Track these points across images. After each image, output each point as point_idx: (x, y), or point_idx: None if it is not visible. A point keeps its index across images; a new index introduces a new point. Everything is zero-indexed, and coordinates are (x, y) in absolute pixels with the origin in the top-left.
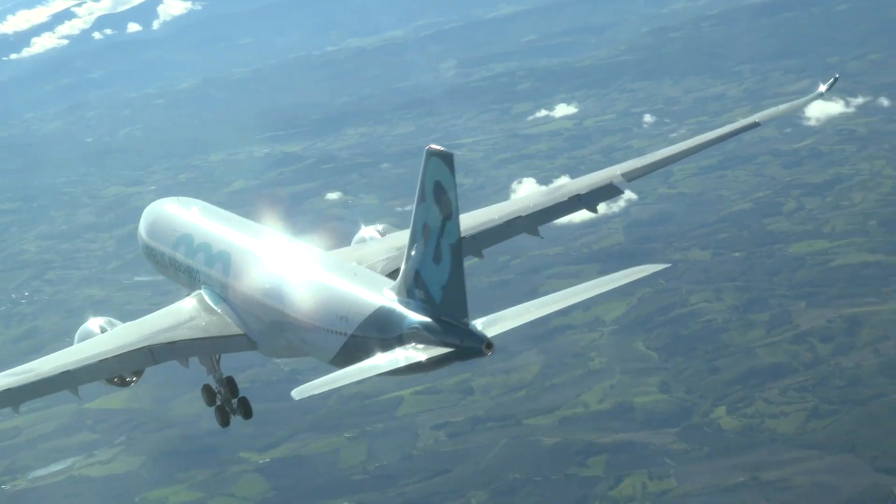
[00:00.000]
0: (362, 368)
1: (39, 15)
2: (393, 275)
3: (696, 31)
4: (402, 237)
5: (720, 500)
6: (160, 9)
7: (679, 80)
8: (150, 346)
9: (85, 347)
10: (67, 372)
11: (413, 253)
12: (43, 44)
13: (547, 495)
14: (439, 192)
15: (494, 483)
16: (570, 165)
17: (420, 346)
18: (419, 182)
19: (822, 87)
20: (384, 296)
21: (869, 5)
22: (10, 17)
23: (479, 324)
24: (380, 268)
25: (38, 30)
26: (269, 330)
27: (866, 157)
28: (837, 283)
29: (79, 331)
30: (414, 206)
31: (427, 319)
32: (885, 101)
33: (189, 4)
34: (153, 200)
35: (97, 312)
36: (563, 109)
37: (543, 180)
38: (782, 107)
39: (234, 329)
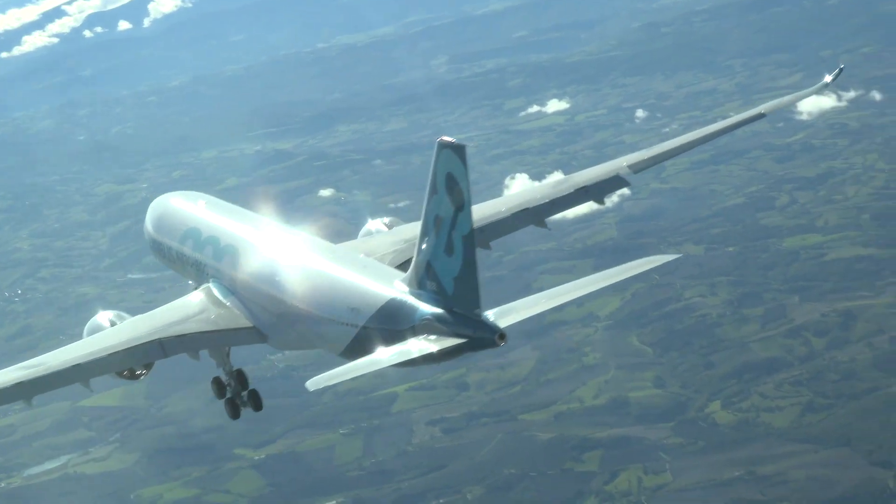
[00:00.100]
0: (375, 360)
1: (30, 13)
2: (401, 267)
3: (687, 26)
4: (409, 230)
5: (716, 494)
6: (151, 6)
7: (670, 74)
8: (160, 338)
9: (95, 341)
10: (78, 365)
11: (424, 245)
12: (34, 42)
13: (542, 490)
14: (451, 183)
15: (490, 478)
16: (562, 161)
17: (432, 337)
18: (430, 174)
19: (828, 78)
20: (395, 287)
21: None
22: (0, 15)
23: (490, 315)
24: (388, 260)
25: (28, 28)
26: (279, 322)
27: (859, 150)
28: (831, 277)
29: (88, 324)
30: (425, 199)
31: (439, 310)
32: (877, 95)
33: (179, 2)
34: (145, 198)
35: (91, 310)
36: (554, 105)
37: (536, 176)
38: (787, 98)
39: (244, 322)
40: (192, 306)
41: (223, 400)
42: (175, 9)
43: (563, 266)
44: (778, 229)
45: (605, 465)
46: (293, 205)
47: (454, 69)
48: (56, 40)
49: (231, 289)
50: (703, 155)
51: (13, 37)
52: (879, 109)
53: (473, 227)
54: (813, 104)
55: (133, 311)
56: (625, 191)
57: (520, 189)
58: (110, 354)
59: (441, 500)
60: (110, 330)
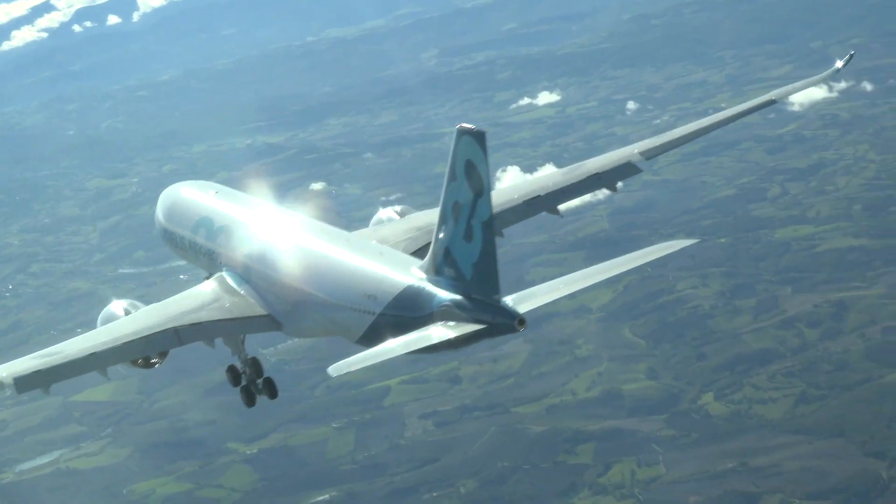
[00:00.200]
0: (395, 346)
1: (19, 8)
2: (414, 255)
3: (678, 18)
4: (422, 218)
5: (709, 486)
6: (140, 1)
7: (661, 66)
8: (175, 327)
9: (110, 329)
10: (95, 354)
11: (443, 231)
12: (23, 37)
13: (536, 483)
14: (471, 170)
15: (483, 472)
16: (553, 153)
17: (451, 323)
18: (449, 161)
19: (839, 63)
20: (412, 274)
21: None
22: None
23: (509, 300)
24: (401, 248)
25: (17, 23)
26: (294, 310)
27: (850, 141)
28: (823, 267)
29: (102, 313)
30: (444, 185)
31: (458, 297)
32: (867, 86)
33: None
34: (136, 192)
35: (81, 305)
36: (545, 97)
37: (527, 168)
38: (798, 84)
39: (259, 310)
40: (206, 295)
41: (238, 388)
42: (164, 3)
43: (554, 258)
44: (770, 220)
45: (598, 457)
46: (284, 198)
47: (444, 62)
48: (45, 35)
49: (245, 277)
50: (693, 146)
51: (2, 32)
52: (870, 100)
53: (493, 213)
54: (804, 95)
55: None
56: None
57: (531, 177)
58: (126, 343)
59: (434, 494)
60: (125, 319)
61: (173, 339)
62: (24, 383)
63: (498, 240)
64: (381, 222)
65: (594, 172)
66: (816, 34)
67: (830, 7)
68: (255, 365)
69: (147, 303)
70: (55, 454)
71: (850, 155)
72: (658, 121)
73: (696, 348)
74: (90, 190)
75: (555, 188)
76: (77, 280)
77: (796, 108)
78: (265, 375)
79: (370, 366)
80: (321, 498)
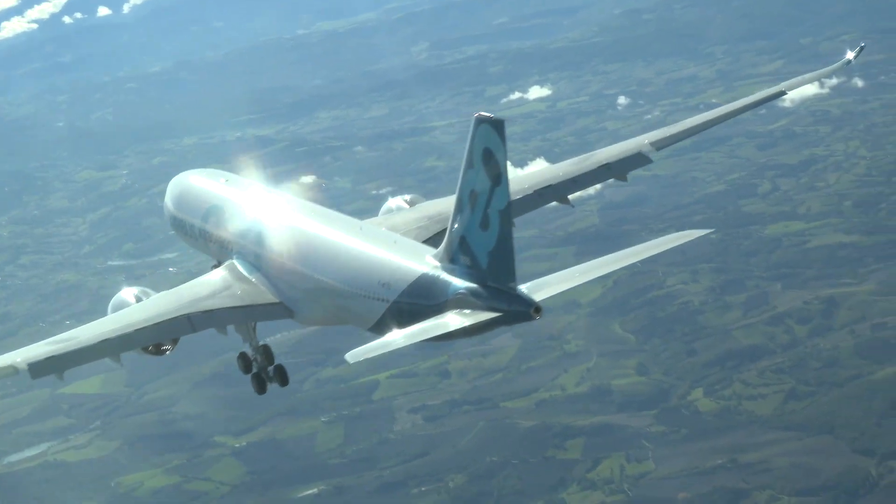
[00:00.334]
0: (411, 333)
1: None
2: (426, 244)
3: (669, 13)
4: (432, 207)
5: (698, 482)
6: None
7: (652, 61)
8: (188, 314)
9: (123, 316)
10: (108, 340)
11: (459, 219)
12: (13, 28)
13: (524, 478)
14: (488, 158)
15: (472, 466)
16: (544, 147)
17: (467, 311)
18: (467, 149)
19: (850, 55)
20: (427, 263)
21: None
22: None
23: (524, 288)
24: (412, 237)
25: (7, 14)
26: (306, 298)
27: (840, 137)
28: (814, 264)
29: (112, 300)
30: (461, 173)
31: (473, 285)
32: (859, 82)
33: None
34: (125, 184)
35: (70, 297)
36: (536, 91)
37: (518, 163)
38: (808, 75)
39: (271, 297)
40: (217, 282)
41: (249, 375)
42: None
43: (545, 253)
44: (760, 216)
45: (587, 452)
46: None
47: (435, 56)
48: (35, 26)
49: (256, 265)
50: (684, 142)
51: None
52: (861, 97)
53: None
54: (795, 91)
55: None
56: None
57: (541, 167)
58: (139, 329)
59: (423, 488)
60: (137, 305)
61: (186, 327)
62: (39, 369)
63: None
64: (390, 211)
65: (605, 162)
66: (806, 30)
67: (820, 4)
68: (266, 352)
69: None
70: (43, 446)
71: (840, 151)
72: (649, 116)
73: (685, 344)
74: (80, 182)
75: (565, 178)
76: (66, 272)
77: (787, 104)
78: (276, 363)
79: (386, 353)
80: (309, 492)
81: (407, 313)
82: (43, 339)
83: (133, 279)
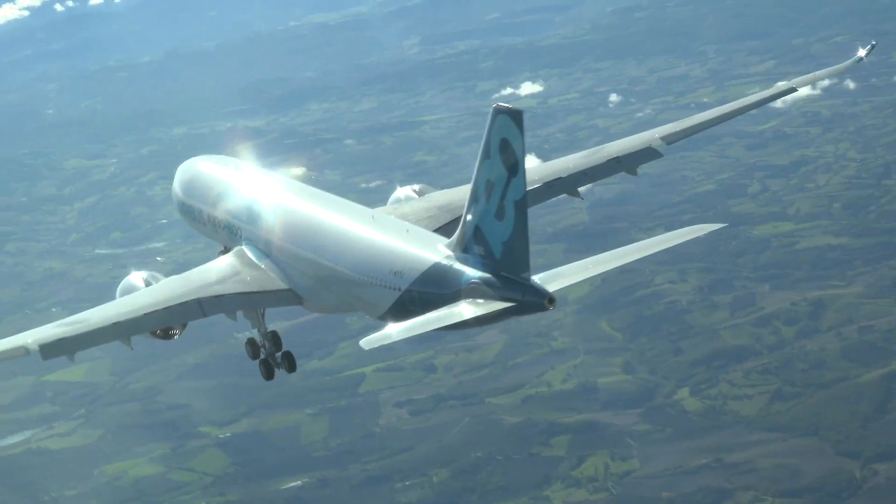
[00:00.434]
0: (425, 321)
1: None
2: (436, 233)
3: (661, 11)
4: (442, 197)
5: (682, 481)
6: None
7: (643, 59)
8: (199, 298)
9: (133, 299)
10: (118, 323)
11: (473, 209)
12: (3, 15)
13: (509, 474)
14: (506, 148)
15: (457, 461)
16: (534, 144)
17: (480, 300)
18: (484, 139)
19: (862, 52)
20: (439, 252)
21: None
22: None
23: (537, 279)
24: (422, 226)
25: None
26: (316, 285)
27: (831, 139)
28: (802, 265)
29: (121, 284)
30: (477, 163)
31: (486, 275)
32: (850, 84)
33: None
34: (114, 173)
35: (56, 285)
36: (527, 88)
37: None
38: (820, 72)
39: (280, 284)
40: (227, 268)
41: (257, 361)
42: None
43: (534, 250)
44: (749, 216)
45: (572, 450)
46: None
47: (426, 50)
48: (26, 13)
49: (266, 251)
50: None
51: None
52: (852, 98)
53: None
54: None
55: (100, 287)
56: None
57: (552, 160)
58: (150, 313)
59: (407, 482)
60: (147, 290)
61: (196, 311)
62: (50, 350)
63: None
64: (399, 201)
65: (615, 156)
66: (798, 31)
67: (813, 4)
68: (274, 338)
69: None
70: (27, 433)
71: (830, 153)
72: (640, 114)
73: (672, 343)
74: (68, 170)
75: (575, 171)
76: (53, 260)
77: (778, 104)
78: (284, 349)
79: (401, 340)
80: (293, 484)
81: (419, 302)
82: (30, 327)
83: (120, 268)
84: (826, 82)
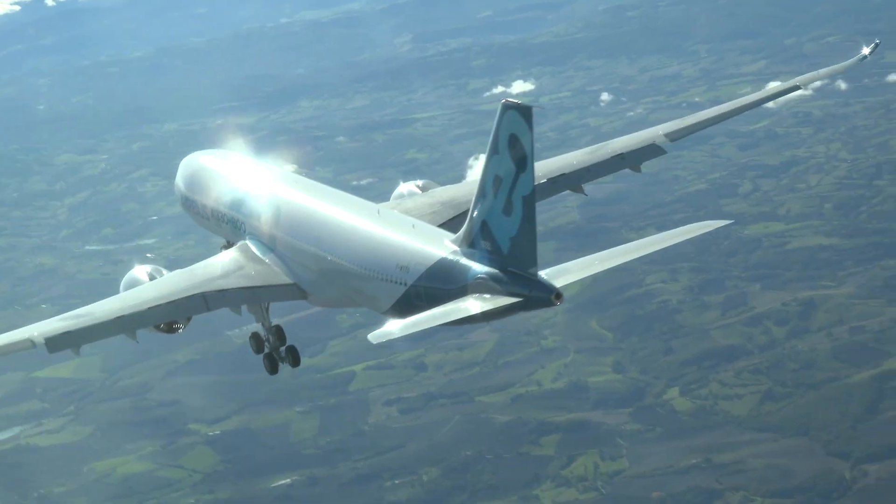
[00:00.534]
0: (431, 316)
1: None
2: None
3: (653, 10)
4: (445, 193)
5: (672, 481)
6: None
7: (635, 58)
8: (203, 293)
9: (137, 293)
10: (123, 317)
11: (480, 205)
12: None
13: (499, 473)
14: (514, 144)
15: (446, 460)
16: None
17: (487, 296)
18: (492, 135)
19: (866, 50)
20: (446, 247)
21: None
22: None
23: (543, 275)
24: (426, 221)
25: None
26: (321, 280)
27: (822, 139)
28: (793, 265)
29: (125, 278)
30: (485, 159)
31: (493, 270)
32: (842, 85)
33: None
34: (105, 168)
35: (47, 280)
36: (519, 86)
37: None
38: (823, 71)
39: (284, 278)
40: (231, 262)
41: (261, 355)
42: None
43: None
44: (741, 216)
45: (562, 449)
46: None
47: (418, 48)
48: (17, 8)
49: (270, 246)
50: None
51: None
52: (843, 99)
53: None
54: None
55: (90, 283)
56: None
57: (555, 156)
58: (154, 307)
59: (397, 481)
60: (151, 283)
61: (201, 305)
62: (55, 343)
63: None
64: (402, 196)
65: (619, 152)
66: (790, 31)
67: (805, 4)
68: (278, 332)
69: (107, 281)
70: (16, 430)
71: (822, 153)
72: (631, 113)
73: (663, 342)
74: (59, 165)
75: (579, 167)
76: (43, 255)
77: (769, 104)
78: (288, 343)
79: (408, 335)
80: (283, 482)
81: (425, 297)
82: (21, 323)
83: (110, 264)
84: (817, 82)
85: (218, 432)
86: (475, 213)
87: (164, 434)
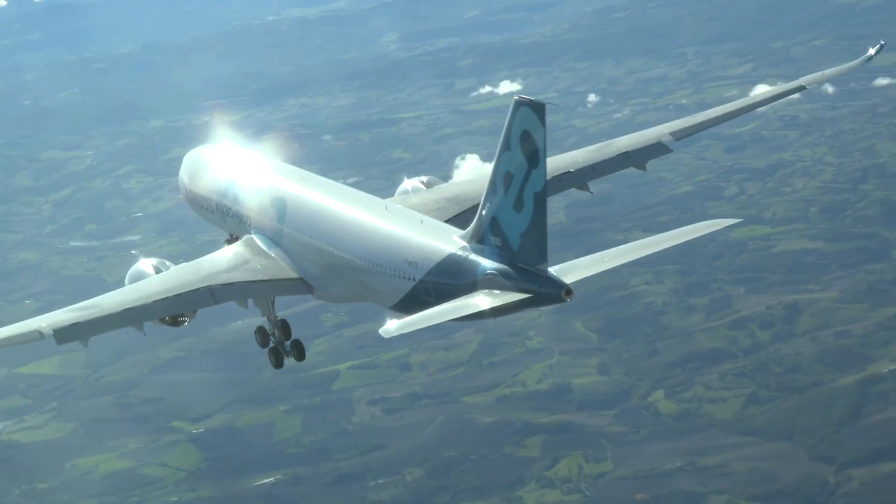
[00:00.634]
0: (442, 311)
1: None
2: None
3: (641, 12)
4: (451, 189)
5: (656, 484)
6: None
7: (622, 60)
8: (210, 286)
9: (144, 286)
10: (130, 309)
11: (491, 200)
12: None
13: (483, 474)
14: (526, 140)
15: (430, 460)
16: None
17: (496, 291)
18: (504, 131)
19: (871, 51)
20: (454, 243)
21: None
22: None
23: (552, 271)
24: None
25: None
26: (327, 274)
27: (808, 143)
28: (778, 269)
29: (130, 270)
30: (496, 155)
31: (503, 266)
32: (829, 88)
33: None
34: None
35: (31, 276)
36: (506, 86)
37: (487, 157)
38: (828, 71)
39: (290, 273)
40: (237, 256)
41: (266, 349)
42: None
43: None
44: (726, 219)
45: (546, 450)
46: None
47: (405, 47)
48: (4, 3)
49: (275, 240)
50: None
51: None
52: (830, 103)
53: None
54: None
55: (75, 279)
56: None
57: (561, 154)
58: (161, 300)
59: (380, 481)
60: (157, 277)
61: (208, 298)
62: (63, 335)
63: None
64: (407, 192)
65: (624, 151)
66: (777, 35)
67: (792, 8)
68: (283, 327)
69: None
70: None
71: (808, 157)
72: (618, 114)
73: (647, 344)
74: (44, 161)
75: (584, 165)
76: (27, 251)
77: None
78: (293, 337)
79: (419, 329)
80: (266, 480)
81: (433, 293)
82: (4, 318)
83: (94, 260)
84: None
85: (202, 430)
86: (485, 209)
87: (148, 431)
